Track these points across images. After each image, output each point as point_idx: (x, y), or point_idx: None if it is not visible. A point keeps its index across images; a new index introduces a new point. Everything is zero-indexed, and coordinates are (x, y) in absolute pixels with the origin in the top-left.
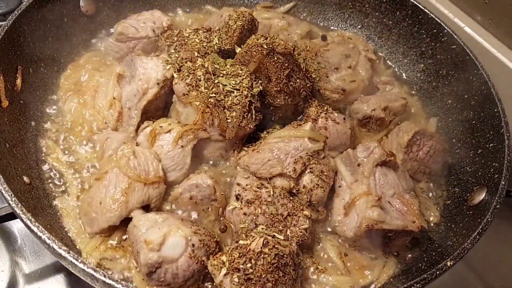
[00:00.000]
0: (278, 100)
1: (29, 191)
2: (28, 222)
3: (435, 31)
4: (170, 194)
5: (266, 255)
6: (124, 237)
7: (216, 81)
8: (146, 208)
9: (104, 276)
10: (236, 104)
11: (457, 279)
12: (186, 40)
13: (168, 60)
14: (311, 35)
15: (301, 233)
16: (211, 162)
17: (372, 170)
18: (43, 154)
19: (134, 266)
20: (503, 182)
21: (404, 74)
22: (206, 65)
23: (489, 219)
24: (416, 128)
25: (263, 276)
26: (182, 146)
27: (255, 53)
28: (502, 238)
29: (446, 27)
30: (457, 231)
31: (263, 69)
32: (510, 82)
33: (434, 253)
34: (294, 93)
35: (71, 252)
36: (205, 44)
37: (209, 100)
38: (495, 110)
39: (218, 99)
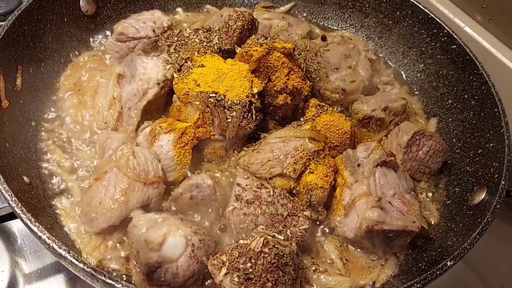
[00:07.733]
0: (278, 100)
1: (29, 191)
2: (28, 222)
3: (435, 31)
4: (170, 194)
5: (266, 255)
6: (124, 237)
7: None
8: (146, 208)
9: (104, 276)
10: (236, 104)
11: (457, 279)
12: (186, 40)
13: (168, 60)
14: (311, 35)
15: (301, 234)
16: (211, 162)
17: (372, 170)
18: (43, 154)
19: (134, 266)
20: (503, 182)
21: (404, 74)
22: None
23: (489, 219)
24: (415, 128)
25: (263, 275)
26: (182, 146)
27: (255, 53)
28: (502, 238)
29: (446, 27)
30: (457, 231)
31: (263, 69)
32: (510, 82)
33: (434, 253)
34: (294, 93)
35: (71, 252)
36: (205, 44)
37: (209, 100)
38: (495, 110)
39: (218, 99)
